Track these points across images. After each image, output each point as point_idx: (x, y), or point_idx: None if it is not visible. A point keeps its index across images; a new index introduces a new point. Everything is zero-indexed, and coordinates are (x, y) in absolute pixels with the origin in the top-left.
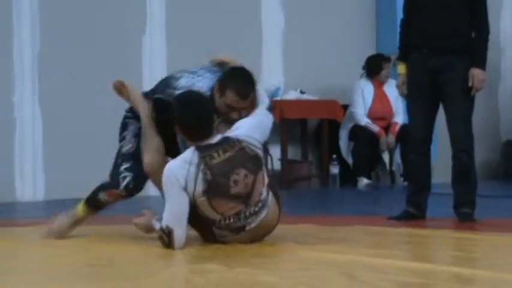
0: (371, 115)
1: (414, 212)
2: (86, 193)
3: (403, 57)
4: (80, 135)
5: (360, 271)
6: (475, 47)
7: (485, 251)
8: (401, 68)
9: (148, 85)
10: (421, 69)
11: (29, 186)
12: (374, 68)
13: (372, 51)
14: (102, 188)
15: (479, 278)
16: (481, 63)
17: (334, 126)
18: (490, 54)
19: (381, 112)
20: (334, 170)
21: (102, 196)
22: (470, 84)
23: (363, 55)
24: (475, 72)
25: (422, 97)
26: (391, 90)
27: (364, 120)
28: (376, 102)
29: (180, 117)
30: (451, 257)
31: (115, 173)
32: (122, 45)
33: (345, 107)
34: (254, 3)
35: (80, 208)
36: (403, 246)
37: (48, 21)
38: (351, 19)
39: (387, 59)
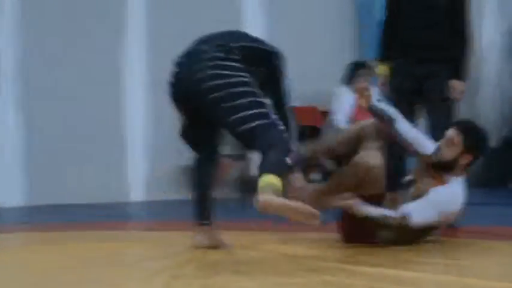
0: (351, 121)
1: None
2: (69, 198)
3: (384, 58)
4: (63, 141)
5: (342, 277)
6: (457, 57)
7: (468, 258)
8: (381, 69)
9: (130, 88)
10: (407, 77)
11: (10, 191)
12: (351, 75)
13: (352, 58)
14: (283, 150)
15: (463, 285)
16: (462, 75)
17: (314, 132)
18: (471, 63)
19: (361, 118)
20: (314, 175)
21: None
22: (450, 95)
23: (344, 62)
24: (455, 84)
25: (405, 104)
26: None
27: (345, 127)
28: (357, 108)
29: None
30: (435, 264)
31: (282, 132)
32: (102, 49)
33: (324, 113)
34: (235, 9)
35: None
36: (383, 253)
37: (31, 25)
38: (331, 27)
39: (362, 66)
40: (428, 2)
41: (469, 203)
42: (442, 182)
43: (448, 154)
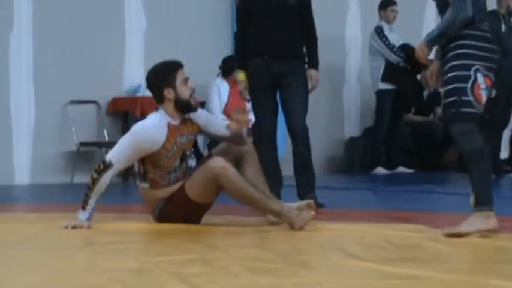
0: (226, 112)
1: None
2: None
3: (241, 65)
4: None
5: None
6: (308, 52)
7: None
8: (242, 76)
9: (15, 74)
10: (264, 74)
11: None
12: (228, 68)
13: (227, 52)
14: None
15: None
16: (316, 65)
17: None
18: (335, 58)
19: (235, 108)
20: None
21: None
22: (310, 84)
23: (220, 55)
24: (312, 73)
25: (267, 98)
26: None
27: (220, 117)
28: (232, 100)
29: None
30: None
31: None
32: None
33: (202, 104)
34: (118, 5)
35: None
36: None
37: None
38: (208, 22)
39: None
40: (279, 5)
41: (333, 188)
42: None
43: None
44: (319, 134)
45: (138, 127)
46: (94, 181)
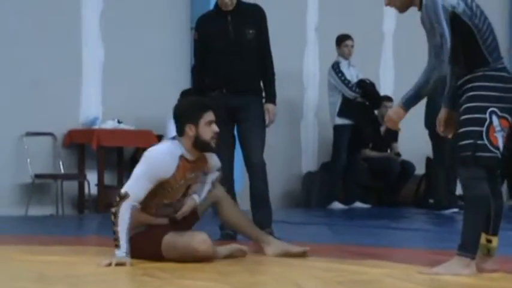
0: None
1: (231, 233)
2: None
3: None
4: None
5: None
6: (266, 86)
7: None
8: None
9: None
10: (222, 107)
11: None
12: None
13: (186, 86)
14: None
15: None
16: (273, 100)
17: None
18: (293, 93)
19: None
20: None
21: None
22: (267, 118)
23: (178, 89)
24: (270, 107)
25: (224, 131)
26: None
27: None
28: None
29: None
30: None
31: None
32: None
33: (159, 137)
34: (75, 36)
35: None
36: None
37: None
38: (167, 55)
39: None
40: (238, 39)
41: (291, 222)
42: None
43: None
44: (276, 169)
45: (151, 152)
46: (114, 215)
